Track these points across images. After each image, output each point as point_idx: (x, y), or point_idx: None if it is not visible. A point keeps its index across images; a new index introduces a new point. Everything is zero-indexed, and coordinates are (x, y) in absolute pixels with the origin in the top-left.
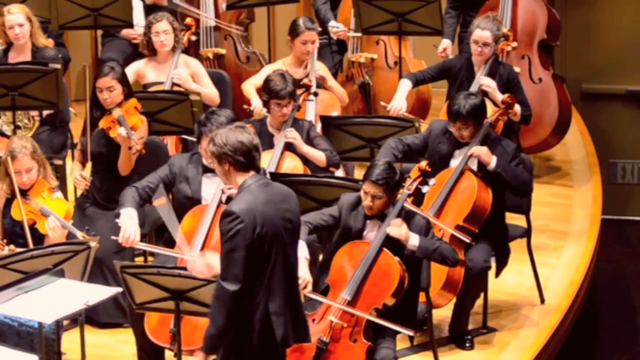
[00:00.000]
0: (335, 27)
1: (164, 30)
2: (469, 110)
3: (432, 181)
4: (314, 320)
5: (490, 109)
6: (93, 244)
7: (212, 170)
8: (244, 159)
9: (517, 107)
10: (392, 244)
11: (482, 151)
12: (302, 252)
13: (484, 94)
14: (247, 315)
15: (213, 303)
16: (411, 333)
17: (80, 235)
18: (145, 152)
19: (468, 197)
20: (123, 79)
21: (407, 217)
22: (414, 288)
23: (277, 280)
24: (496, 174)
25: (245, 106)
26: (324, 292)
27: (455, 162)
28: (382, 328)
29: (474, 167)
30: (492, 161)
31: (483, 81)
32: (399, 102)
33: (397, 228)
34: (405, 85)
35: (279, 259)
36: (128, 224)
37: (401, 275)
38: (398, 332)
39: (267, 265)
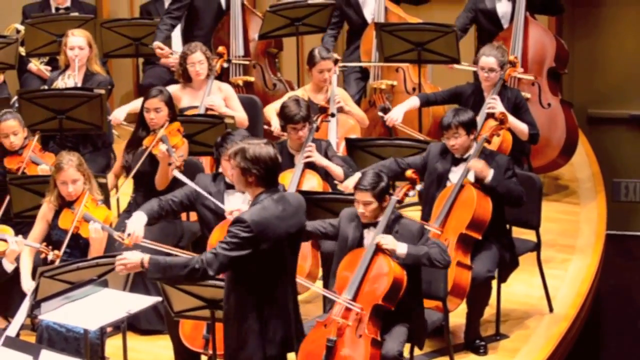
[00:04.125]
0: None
1: (198, 61)
2: (459, 119)
3: (418, 187)
4: (325, 325)
5: (485, 127)
6: None
7: (234, 187)
8: (267, 175)
9: (525, 127)
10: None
11: (479, 165)
12: None
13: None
14: (249, 318)
15: (191, 270)
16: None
17: (116, 235)
18: (184, 171)
19: (468, 206)
20: (169, 102)
21: (397, 220)
22: (415, 292)
23: (273, 287)
24: (491, 187)
25: (265, 126)
26: (332, 301)
27: (453, 177)
28: (388, 325)
29: (472, 179)
30: (489, 175)
31: (489, 102)
32: (395, 113)
33: (385, 240)
34: (412, 101)
35: (278, 269)
36: (131, 224)
37: (396, 272)
38: (411, 335)
39: (267, 276)
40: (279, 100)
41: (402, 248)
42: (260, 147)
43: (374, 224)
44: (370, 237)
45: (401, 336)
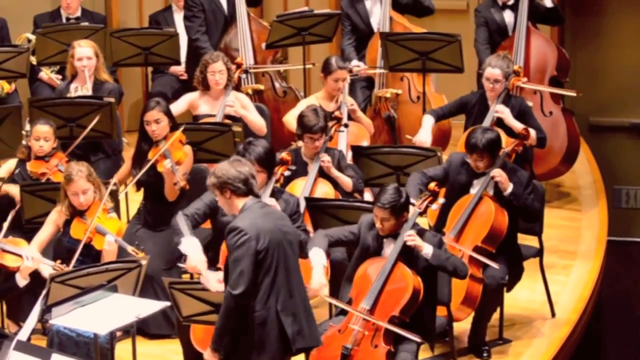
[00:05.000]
0: (357, 67)
1: (219, 70)
2: (485, 143)
3: (441, 200)
4: (339, 330)
5: (505, 140)
6: (144, 262)
7: None
8: (242, 186)
9: (533, 133)
10: (407, 258)
11: (502, 176)
12: (320, 259)
13: (500, 120)
14: (262, 317)
15: (222, 307)
16: (418, 340)
17: (130, 249)
18: (191, 180)
19: (486, 220)
20: (168, 112)
21: (420, 234)
22: (431, 300)
23: (281, 285)
24: (509, 200)
25: (293, 143)
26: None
27: (474, 190)
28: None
29: (491, 191)
30: (509, 188)
31: (497, 108)
32: (424, 136)
33: (412, 238)
34: (429, 120)
35: (281, 267)
36: (194, 254)
37: (415, 285)
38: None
39: (274, 273)
40: (296, 107)
41: (428, 248)
42: (228, 164)
43: (394, 235)
44: (390, 247)
45: (414, 346)
